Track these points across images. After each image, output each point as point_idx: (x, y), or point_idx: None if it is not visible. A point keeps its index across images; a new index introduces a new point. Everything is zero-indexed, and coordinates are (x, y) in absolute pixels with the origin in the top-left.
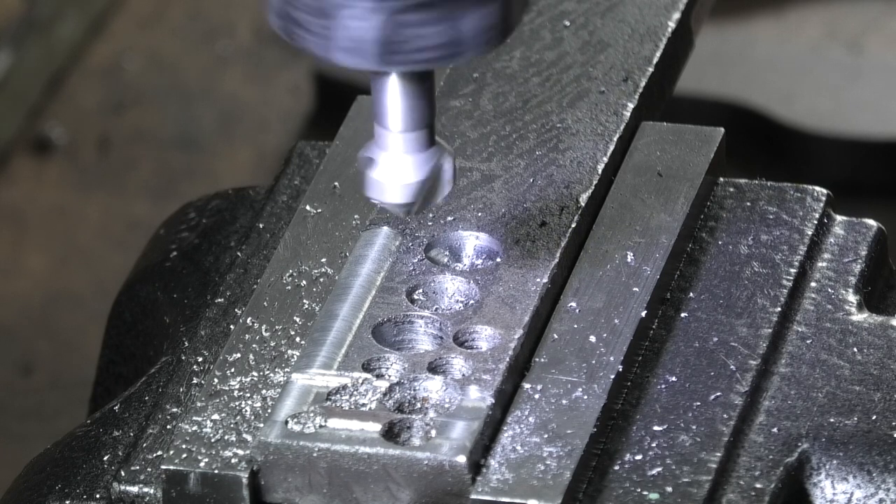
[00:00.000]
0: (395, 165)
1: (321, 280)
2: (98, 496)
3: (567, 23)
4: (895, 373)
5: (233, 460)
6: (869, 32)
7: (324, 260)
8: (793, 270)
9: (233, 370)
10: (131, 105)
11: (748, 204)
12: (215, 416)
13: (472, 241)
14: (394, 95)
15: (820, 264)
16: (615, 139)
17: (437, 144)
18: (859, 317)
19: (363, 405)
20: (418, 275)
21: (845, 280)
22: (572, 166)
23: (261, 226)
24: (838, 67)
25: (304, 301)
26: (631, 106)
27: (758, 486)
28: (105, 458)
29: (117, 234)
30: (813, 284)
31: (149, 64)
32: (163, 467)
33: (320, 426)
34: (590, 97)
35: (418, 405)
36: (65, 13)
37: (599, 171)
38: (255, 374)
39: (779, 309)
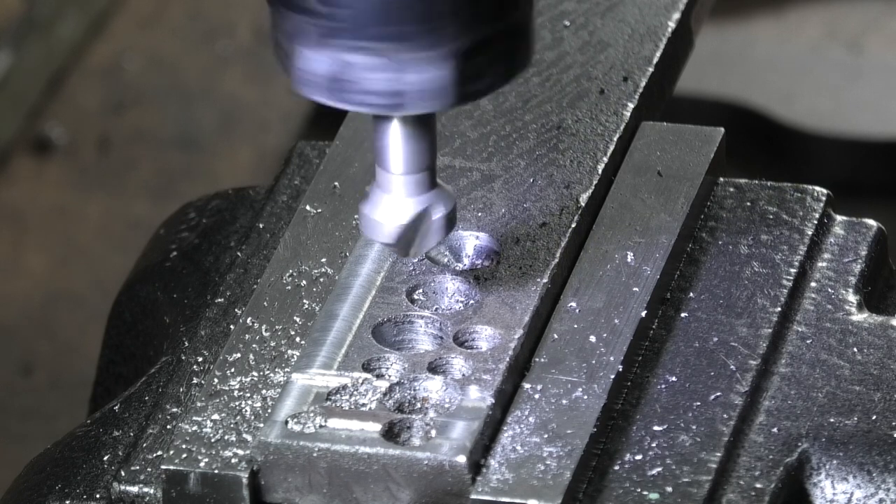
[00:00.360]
0: (385, 205)
1: (321, 280)
2: (98, 496)
3: (567, 23)
4: (895, 373)
5: (233, 460)
6: (869, 32)
7: (324, 260)
8: (793, 270)
9: (233, 370)
10: (131, 105)
11: (748, 204)
12: (215, 416)
13: (472, 241)
14: (392, 137)
15: (820, 264)
16: (615, 139)
17: (438, 188)
18: (859, 317)
19: (363, 405)
20: (418, 275)
21: (845, 280)
22: (572, 166)
23: (261, 226)
24: (838, 67)
25: (304, 301)
26: (631, 106)
27: (758, 486)
28: (105, 458)
29: (117, 234)
30: (813, 284)
31: (149, 64)
32: (163, 467)
33: (320, 426)
34: (590, 97)
35: (418, 405)
36: (65, 13)
37: (599, 171)
38: (255, 374)
39: (779, 309)
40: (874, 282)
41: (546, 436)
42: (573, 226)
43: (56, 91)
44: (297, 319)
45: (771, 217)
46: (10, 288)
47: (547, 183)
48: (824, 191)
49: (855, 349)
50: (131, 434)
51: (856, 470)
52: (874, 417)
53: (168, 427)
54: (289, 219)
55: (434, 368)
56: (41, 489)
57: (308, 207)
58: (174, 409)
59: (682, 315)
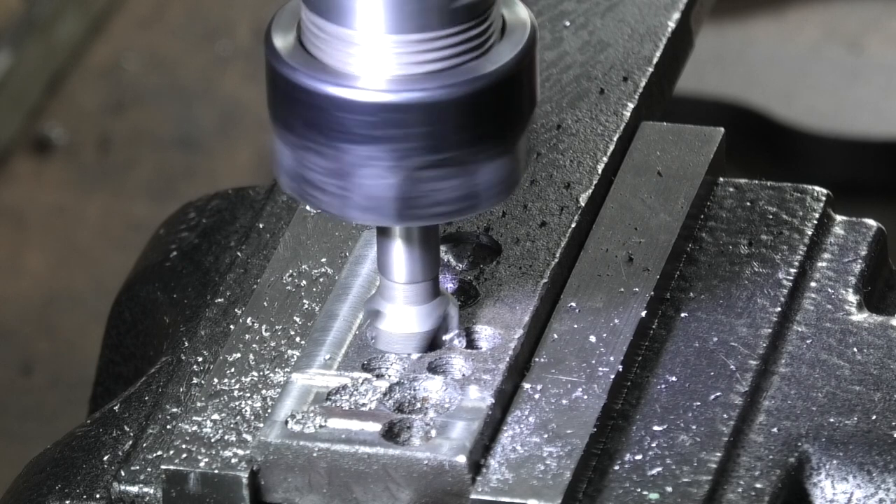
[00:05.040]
0: (402, 317)
1: (321, 280)
2: (98, 496)
3: (567, 23)
4: (895, 373)
5: (233, 460)
6: (869, 32)
7: (324, 260)
8: (793, 270)
9: (233, 370)
10: (131, 105)
11: (748, 204)
12: (215, 416)
13: (472, 241)
14: (398, 249)
15: (820, 264)
16: (615, 139)
17: (442, 294)
18: (859, 317)
19: (363, 405)
20: None
21: (845, 280)
22: (572, 166)
23: (261, 226)
24: (838, 67)
25: (304, 301)
26: (631, 106)
27: (758, 486)
28: (105, 458)
29: (117, 234)
30: (813, 284)
31: (149, 64)
32: (163, 467)
33: (320, 426)
34: (590, 97)
35: (418, 405)
36: (65, 13)
37: (599, 171)
38: (255, 374)
39: (779, 309)
40: (874, 282)
41: (546, 436)
42: (573, 226)
43: (56, 91)
44: (297, 319)
45: (771, 217)
46: (10, 288)
47: (547, 183)
48: (824, 191)
49: (855, 349)
50: (131, 434)
51: (856, 470)
52: (874, 417)
53: (168, 427)
54: (289, 219)
55: (434, 368)
56: (41, 489)
57: (308, 207)
58: (174, 409)
59: (682, 315)
